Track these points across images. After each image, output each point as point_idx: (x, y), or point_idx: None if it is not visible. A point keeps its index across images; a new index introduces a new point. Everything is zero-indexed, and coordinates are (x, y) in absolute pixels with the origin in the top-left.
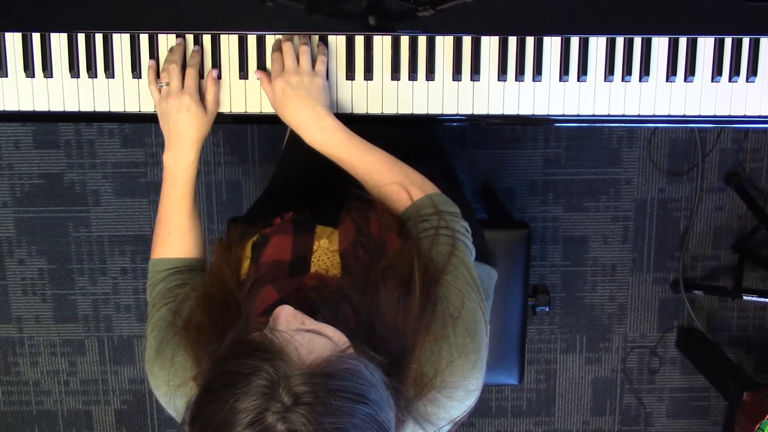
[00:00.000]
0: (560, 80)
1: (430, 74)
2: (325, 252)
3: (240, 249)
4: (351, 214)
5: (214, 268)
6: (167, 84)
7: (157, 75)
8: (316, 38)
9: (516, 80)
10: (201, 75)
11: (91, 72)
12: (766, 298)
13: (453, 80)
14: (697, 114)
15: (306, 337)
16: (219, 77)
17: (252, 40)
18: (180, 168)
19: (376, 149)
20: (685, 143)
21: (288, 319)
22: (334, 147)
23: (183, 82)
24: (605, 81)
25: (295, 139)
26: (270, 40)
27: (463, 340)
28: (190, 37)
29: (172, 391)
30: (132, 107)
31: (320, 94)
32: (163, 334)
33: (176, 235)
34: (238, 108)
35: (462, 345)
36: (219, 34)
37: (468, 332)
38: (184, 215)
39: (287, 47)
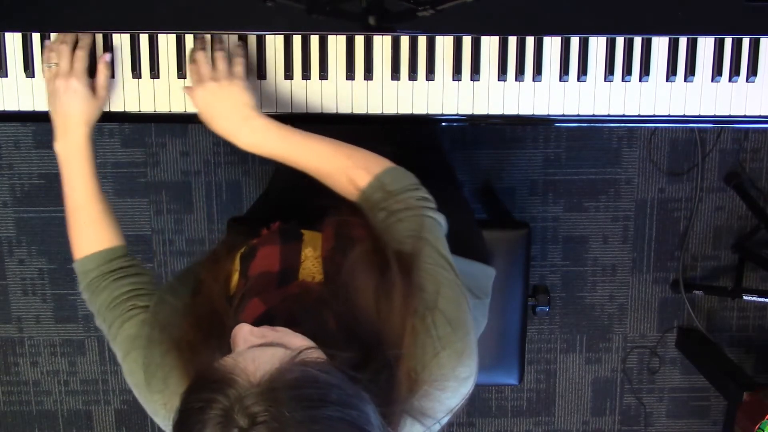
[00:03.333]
0: (560, 80)
1: (430, 74)
2: (311, 260)
3: (229, 262)
4: (331, 219)
5: (205, 286)
6: (56, 64)
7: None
8: (234, 38)
9: (516, 80)
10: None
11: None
12: (766, 298)
13: (453, 80)
14: (697, 114)
15: (250, 354)
16: (111, 61)
17: (252, 40)
18: (71, 152)
19: (315, 139)
20: (685, 143)
21: (245, 337)
22: (269, 147)
23: (73, 63)
24: (605, 81)
25: None
26: (270, 40)
27: (444, 330)
28: (189, 37)
29: (171, 414)
30: (132, 107)
31: (242, 96)
32: (145, 353)
33: (90, 228)
34: None
35: (444, 336)
36: (219, 35)
37: (449, 321)
38: (91, 203)
39: (200, 56)
